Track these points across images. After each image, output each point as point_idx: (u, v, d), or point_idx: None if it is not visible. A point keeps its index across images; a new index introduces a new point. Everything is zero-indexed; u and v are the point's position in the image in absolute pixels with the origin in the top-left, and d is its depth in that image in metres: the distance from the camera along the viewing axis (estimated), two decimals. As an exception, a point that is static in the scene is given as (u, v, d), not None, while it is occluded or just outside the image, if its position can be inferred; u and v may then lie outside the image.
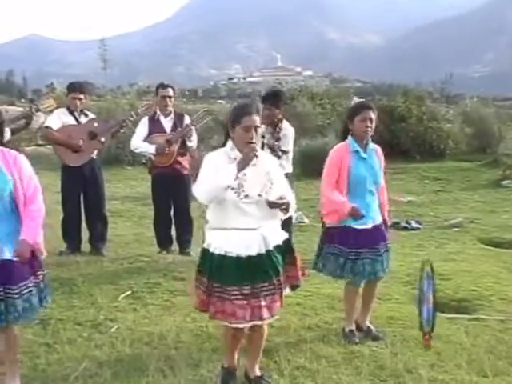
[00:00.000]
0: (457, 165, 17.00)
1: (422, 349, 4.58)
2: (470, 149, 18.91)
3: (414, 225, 10.20)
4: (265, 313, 3.77)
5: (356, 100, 4.92)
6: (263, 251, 3.79)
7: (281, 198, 3.75)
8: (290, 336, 4.85)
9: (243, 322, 3.75)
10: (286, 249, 3.94)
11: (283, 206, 3.74)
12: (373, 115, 4.71)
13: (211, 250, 3.82)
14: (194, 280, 3.94)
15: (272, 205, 3.73)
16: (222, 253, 3.77)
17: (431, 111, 19.40)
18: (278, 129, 6.44)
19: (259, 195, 3.77)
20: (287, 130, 6.52)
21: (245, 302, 3.72)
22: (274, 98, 6.56)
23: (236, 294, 3.72)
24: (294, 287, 4.06)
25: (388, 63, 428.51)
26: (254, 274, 3.75)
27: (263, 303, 3.75)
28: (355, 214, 4.60)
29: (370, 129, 4.70)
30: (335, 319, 5.17)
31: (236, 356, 4.16)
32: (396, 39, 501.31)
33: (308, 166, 14.69)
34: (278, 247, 3.87)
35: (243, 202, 3.74)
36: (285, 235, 3.97)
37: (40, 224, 3.76)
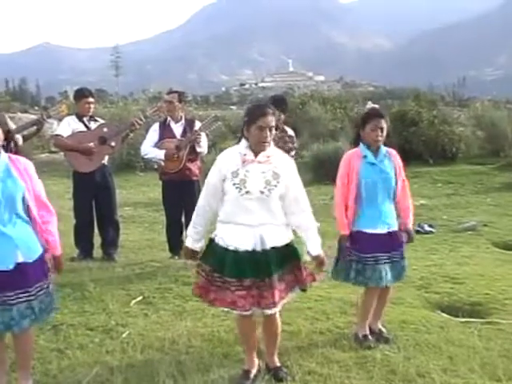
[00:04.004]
0: (469, 168, 16.87)
1: (436, 353, 4.55)
2: (482, 152, 18.77)
3: (427, 228, 10.13)
4: (253, 304, 3.87)
5: (370, 105, 4.88)
6: (259, 249, 3.86)
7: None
8: (301, 340, 4.82)
9: (243, 311, 3.88)
10: (289, 253, 3.98)
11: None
12: (384, 124, 4.66)
13: (216, 240, 3.97)
14: (196, 266, 4.08)
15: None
16: (224, 245, 3.90)
17: (443, 115, 19.30)
18: (285, 132, 6.73)
19: (261, 192, 3.83)
20: (291, 132, 6.87)
21: (244, 292, 3.83)
22: (280, 103, 6.69)
23: (237, 286, 3.84)
24: (303, 289, 4.11)
25: (399, 67, 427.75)
26: (249, 268, 3.83)
27: (252, 293, 3.84)
28: (342, 242, 4.74)
29: (380, 138, 4.66)
30: (347, 324, 5.13)
31: (255, 356, 4.19)
32: (407, 43, 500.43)
33: (320, 171, 14.70)
34: (276, 249, 3.90)
35: (244, 198, 3.83)
36: (287, 239, 4.00)
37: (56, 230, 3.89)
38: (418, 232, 9.89)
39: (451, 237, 9.61)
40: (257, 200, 3.83)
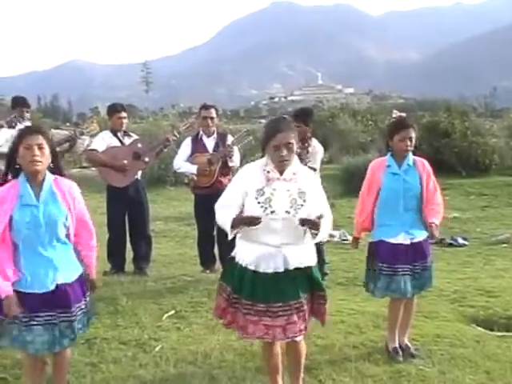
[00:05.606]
0: (503, 180, 16.64)
1: (471, 368, 4.48)
2: (516, 163, 18.52)
3: (461, 241, 10.02)
4: (278, 333, 3.69)
5: (396, 113, 4.85)
6: (281, 270, 3.69)
7: (319, 218, 3.61)
8: (334, 355, 4.78)
9: (252, 338, 3.78)
10: (313, 276, 3.80)
11: (314, 226, 3.58)
12: (413, 134, 4.63)
13: (236, 259, 3.83)
14: (218, 286, 3.96)
15: (304, 222, 3.59)
16: (244, 264, 3.75)
17: (475, 126, 19.08)
18: (307, 145, 6.60)
19: (287, 212, 3.64)
20: (316, 147, 6.70)
21: (256, 318, 3.69)
22: (304, 115, 6.70)
23: (249, 309, 3.70)
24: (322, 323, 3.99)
25: (429, 79, 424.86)
26: (269, 291, 3.68)
27: (277, 323, 3.68)
28: (353, 244, 5.07)
29: (409, 148, 4.64)
30: (380, 337, 5.07)
31: (280, 380, 4.07)
32: (436, 54, 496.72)
33: (350, 184, 14.60)
34: (300, 270, 3.74)
35: (269, 218, 3.62)
36: (313, 261, 3.83)
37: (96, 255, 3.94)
38: (451, 245, 9.81)
39: (485, 249, 9.49)
40: (282, 220, 3.64)
